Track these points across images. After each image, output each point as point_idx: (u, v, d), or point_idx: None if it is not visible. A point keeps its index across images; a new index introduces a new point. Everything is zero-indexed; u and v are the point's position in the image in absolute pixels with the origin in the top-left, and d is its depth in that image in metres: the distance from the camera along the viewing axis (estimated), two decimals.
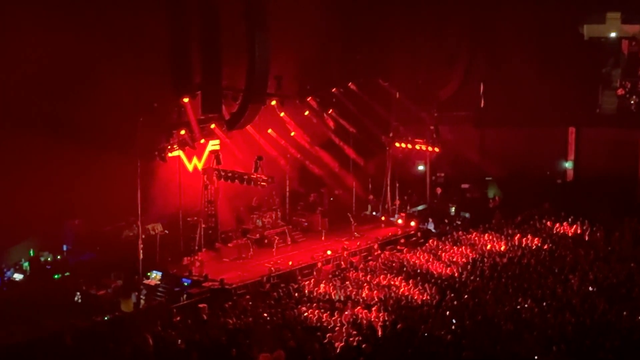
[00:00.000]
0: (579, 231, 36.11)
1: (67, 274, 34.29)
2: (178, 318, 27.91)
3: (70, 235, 36.56)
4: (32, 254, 35.18)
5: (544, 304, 25.71)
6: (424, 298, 27.86)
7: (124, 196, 33.64)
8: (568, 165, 46.14)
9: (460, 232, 37.60)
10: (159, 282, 33.32)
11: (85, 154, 32.37)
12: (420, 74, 44.27)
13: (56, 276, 34.21)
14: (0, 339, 26.28)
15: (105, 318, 29.54)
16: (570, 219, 37.26)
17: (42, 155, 32.33)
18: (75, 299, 31.98)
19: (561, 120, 45.10)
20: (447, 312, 25.60)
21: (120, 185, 33.40)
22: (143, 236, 33.87)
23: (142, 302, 31.91)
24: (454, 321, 24.68)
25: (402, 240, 38.33)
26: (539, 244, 34.19)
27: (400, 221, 42.28)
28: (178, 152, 36.67)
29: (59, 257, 35.96)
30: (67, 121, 32.51)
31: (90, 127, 32.39)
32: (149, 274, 33.59)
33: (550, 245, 34.01)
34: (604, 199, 38.96)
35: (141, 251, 33.15)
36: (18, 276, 34.09)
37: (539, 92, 43.49)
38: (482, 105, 47.49)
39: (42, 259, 35.37)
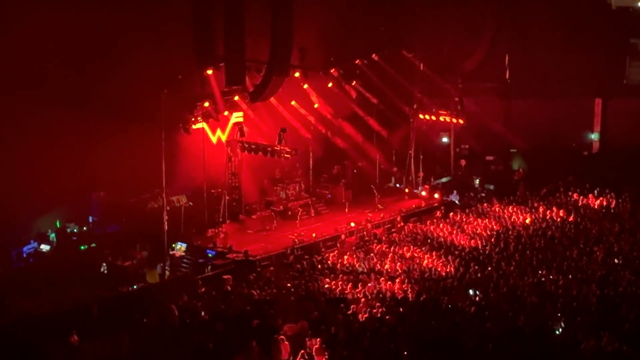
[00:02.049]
0: (604, 203, 35.81)
1: (93, 245, 34.65)
2: (203, 289, 28.13)
3: (96, 207, 36.90)
4: (58, 225, 35.54)
5: (569, 276, 25.60)
6: (448, 270, 27.86)
7: (149, 168, 33.84)
8: (594, 136, 45.70)
9: (484, 205, 37.42)
10: (183, 254, 33.58)
11: (110, 127, 32.59)
12: (445, 45, 43.93)
13: (82, 247, 34.57)
14: (28, 309, 26.68)
15: (132, 287, 29.96)
16: (596, 191, 36.95)
17: (67, 128, 32.59)
18: (101, 269, 32.32)
19: (587, 91, 44.59)
20: (471, 284, 25.58)
21: (145, 157, 33.61)
22: (168, 208, 34.09)
23: (167, 273, 32.19)
24: (477, 293, 24.69)
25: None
26: (564, 217, 33.97)
27: (424, 193, 42.20)
28: (202, 125, 36.75)
29: (85, 228, 36.32)
30: (93, 94, 32.71)
31: (115, 100, 32.57)
32: (173, 245, 33.84)
33: (576, 217, 33.78)
34: (630, 171, 38.58)
35: (166, 223, 33.36)
36: (45, 247, 34.49)
37: (565, 63, 43.02)
38: (507, 76, 47.07)
39: (69, 230, 35.74)
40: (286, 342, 21.56)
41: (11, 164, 31.37)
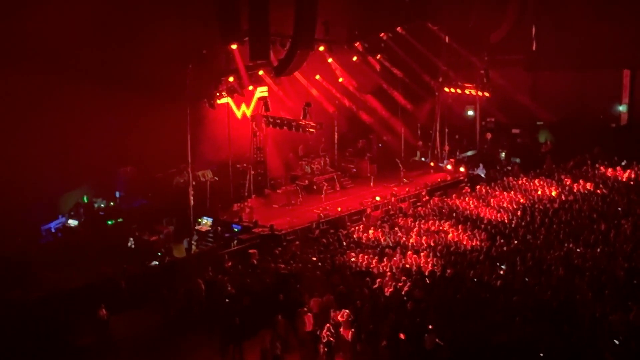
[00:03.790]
0: (632, 176, 35.44)
1: (120, 220, 34.93)
2: (229, 264, 28.30)
3: (122, 182, 37.19)
4: (86, 201, 35.87)
5: (597, 249, 25.44)
6: (474, 244, 27.79)
7: (175, 143, 34.03)
8: (622, 108, 45.11)
9: (510, 178, 37.18)
10: (209, 228, 33.75)
11: (136, 102, 32.71)
12: (471, 16, 43.33)
13: (109, 222, 34.88)
14: (57, 283, 27.02)
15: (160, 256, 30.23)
16: (623, 164, 36.59)
17: (94, 104, 32.78)
18: (129, 244, 32.59)
19: (616, 62, 43.91)
20: (497, 258, 25.52)
21: (170, 132, 33.77)
22: (193, 183, 34.27)
23: (194, 247, 32.41)
24: (503, 267, 24.62)
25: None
26: (591, 189, 33.69)
27: (449, 167, 42.04)
28: (227, 99, 36.78)
29: (112, 203, 36.61)
30: (118, 70, 32.83)
31: (140, 76, 32.65)
32: (199, 220, 34.03)
33: (603, 190, 33.48)
34: None
35: (192, 197, 33.52)
36: (73, 222, 34.84)
37: (593, 34, 42.30)
38: (534, 48, 46.45)
39: (96, 205, 36.05)
40: (309, 315, 21.75)
41: (39, 141, 31.66)
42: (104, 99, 32.63)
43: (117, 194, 37.07)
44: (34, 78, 30.78)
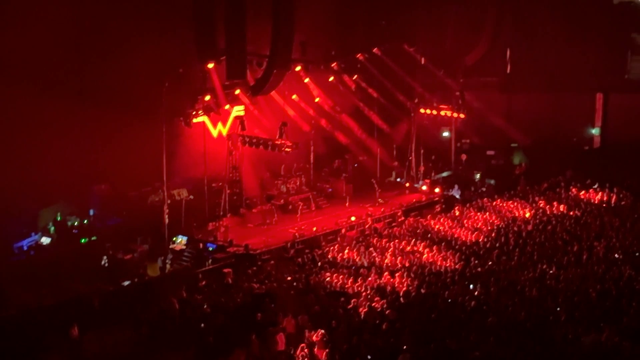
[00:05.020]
0: (605, 198, 35.83)
1: (94, 238, 34.65)
2: (204, 282, 28.16)
3: (97, 199, 36.90)
4: (59, 218, 35.55)
5: (571, 271, 25.60)
6: (448, 264, 27.87)
7: (150, 161, 33.82)
8: (595, 131, 45.69)
9: (485, 199, 37.44)
10: (184, 247, 33.57)
11: (111, 120, 32.56)
12: (447, 39, 43.88)
13: (83, 240, 34.58)
14: (29, 302, 26.70)
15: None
16: (596, 186, 36.98)
17: (69, 121, 32.55)
18: (102, 263, 32.32)
19: (589, 86, 44.54)
20: (471, 279, 25.60)
21: (146, 150, 33.58)
22: (168, 201, 34.08)
23: (168, 266, 32.20)
24: (478, 287, 24.70)
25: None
26: (565, 211, 34.00)
27: (424, 187, 42.21)
28: (203, 118, 36.68)
29: (85, 221, 36.32)
30: (94, 86, 32.73)
31: (116, 93, 32.54)
32: (174, 238, 33.84)
33: (576, 212, 33.80)
34: (631, 166, 38.59)
35: (166, 216, 33.36)
36: (46, 240, 34.49)
37: (566, 58, 42.98)
38: (508, 70, 47.03)
39: (69, 223, 35.72)
40: (281, 334, 21.66)
41: (12, 157, 31.33)
42: (78, 115, 32.42)
43: (91, 212, 36.77)
44: (6, 93, 30.51)
